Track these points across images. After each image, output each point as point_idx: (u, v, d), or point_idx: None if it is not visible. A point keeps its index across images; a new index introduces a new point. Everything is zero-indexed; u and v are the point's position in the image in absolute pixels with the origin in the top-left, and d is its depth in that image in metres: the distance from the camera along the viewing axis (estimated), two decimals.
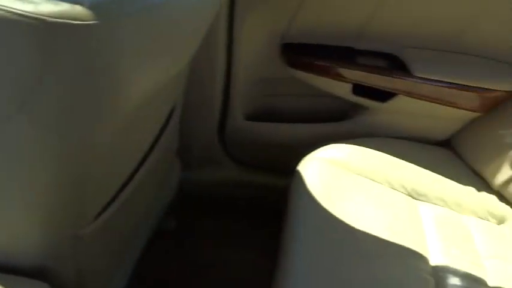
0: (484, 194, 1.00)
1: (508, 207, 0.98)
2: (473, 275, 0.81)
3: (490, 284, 0.80)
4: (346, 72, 1.06)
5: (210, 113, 1.17)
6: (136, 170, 0.75)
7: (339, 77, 1.06)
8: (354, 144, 1.02)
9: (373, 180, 0.96)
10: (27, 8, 0.39)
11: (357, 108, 1.14)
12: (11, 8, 0.39)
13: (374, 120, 1.12)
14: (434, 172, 1.01)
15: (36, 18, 0.39)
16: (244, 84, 1.13)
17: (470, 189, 1.00)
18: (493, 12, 1.01)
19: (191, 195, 1.28)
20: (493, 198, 0.99)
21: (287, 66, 1.10)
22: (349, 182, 0.94)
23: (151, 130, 0.79)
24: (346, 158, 0.98)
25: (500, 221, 0.98)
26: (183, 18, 0.57)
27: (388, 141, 1.06)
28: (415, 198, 0.96)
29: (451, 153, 1.11)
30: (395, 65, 1.05)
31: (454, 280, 0.79)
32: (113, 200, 0.68)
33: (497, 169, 0.98)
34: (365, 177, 0.96)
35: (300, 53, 1.10)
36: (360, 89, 1.07)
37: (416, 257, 0.81)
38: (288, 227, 0.84)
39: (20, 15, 0.39)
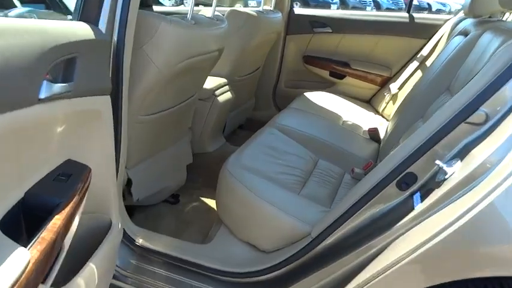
0: (378, 115, 2.43)
1: (384, 119, 2.40)
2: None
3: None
4: (326, 66, 2.62)
5: (270, 84, 2.76)
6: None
7: (323, 68, 2.63)
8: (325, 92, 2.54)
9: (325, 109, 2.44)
10: None
11: (330, 83, 2.67)
12: None
13: (337, 89, 2.64)
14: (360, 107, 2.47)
15: None
16: (286, 71, 2.73)
17: (369, 113, 2.44)
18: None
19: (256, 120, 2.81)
20: (380, 117, 2.42)
21: (304, 63, 2.69)
22: (314, 106, 2.43)
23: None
24: (316, 97, 2.48)
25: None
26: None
27: (341, 96, 2.55)
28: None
29: (370, 105, 2.58)
30: (346, 64, 2.60)
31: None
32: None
33: (380, 103, 2.44)
34: (322, 106, 2.44)
35: (310, 57, 2.69)
36: (332, 74, 2.62)
37: (335, 115, 2.26)
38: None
39: None
